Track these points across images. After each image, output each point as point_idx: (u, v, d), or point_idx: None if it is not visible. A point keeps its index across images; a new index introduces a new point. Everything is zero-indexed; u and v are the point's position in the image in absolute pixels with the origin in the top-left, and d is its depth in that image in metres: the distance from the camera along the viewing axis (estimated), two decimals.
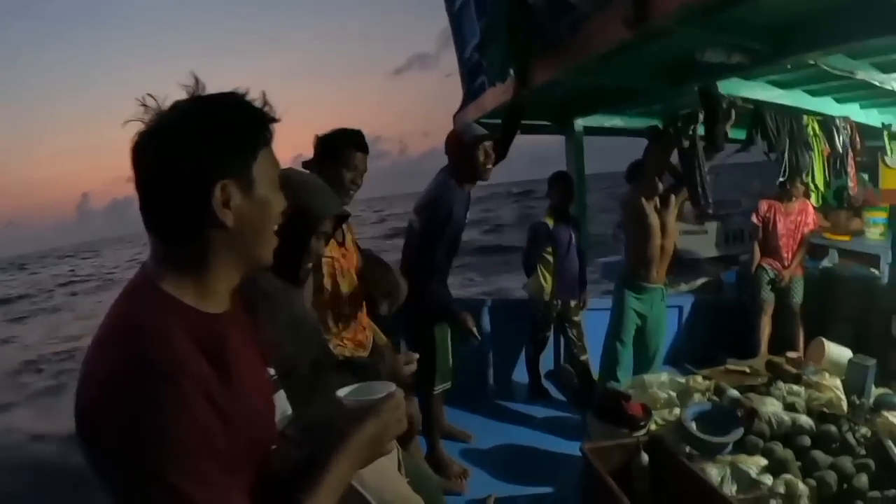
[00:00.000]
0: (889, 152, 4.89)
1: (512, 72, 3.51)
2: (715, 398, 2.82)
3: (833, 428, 2.46)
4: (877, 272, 4.67)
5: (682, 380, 3.05)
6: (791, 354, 3.32)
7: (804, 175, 4.44)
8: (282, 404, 1.15)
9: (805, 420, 2.54)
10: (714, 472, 2.29)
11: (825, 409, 2.64)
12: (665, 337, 3.94)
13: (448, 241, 2.80)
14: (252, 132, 0.92)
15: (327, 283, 2.19)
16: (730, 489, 2.23)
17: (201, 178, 0.86)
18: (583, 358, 4.16)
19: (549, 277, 4.10)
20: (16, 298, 28.41)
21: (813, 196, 4.70)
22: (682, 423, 2.52)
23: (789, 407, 2.68)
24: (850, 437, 2.41)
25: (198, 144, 0.86)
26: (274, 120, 0.95)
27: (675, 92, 3.71)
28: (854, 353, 3.08)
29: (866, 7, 2.41)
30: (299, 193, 1.59)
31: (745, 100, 3.79)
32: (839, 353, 3.17)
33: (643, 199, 3.54)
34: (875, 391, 2.83)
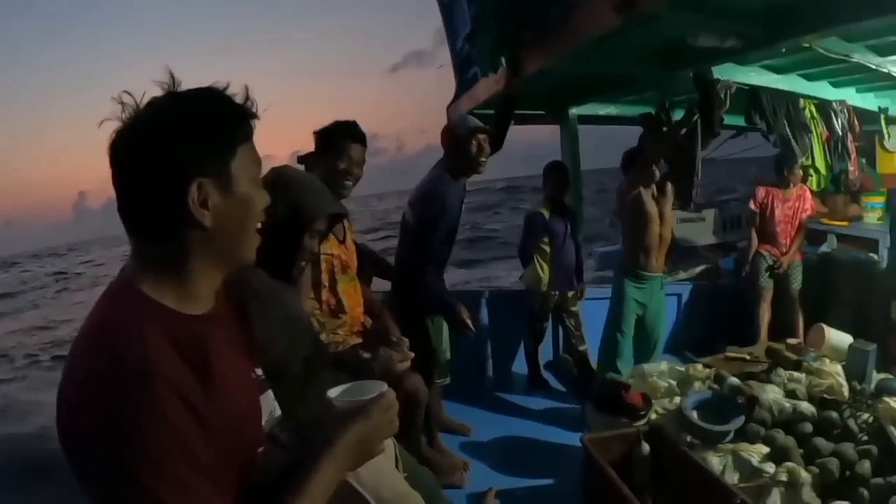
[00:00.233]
0: (887, 136, 4.88)
1: (504, 61, 3.48)
2: (715, 386, 2.81)
3: (834, 414, 2.45)
4: (876, 257, 4.67)
5: (682, 368, 3.04)
6: (791, 341, 3.31)
7: (804, 158, 4.41)
8: (269, 404, 1.12)
9: (806, 407, 2.53)
10: (715, 461, 2.28)
11: (826, 396, 2.63)
12: (665, 326, 3.93)
13: (442, 234, 2.79)
14: (230, 128, 0.89)
15: (325, 279, 2.20)
16: (731, 478, 2.22)
17: (176, 176, 0.84)
18: (581, 348, 4.15)
19: (545, 268, 4.08)
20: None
21: (813, 180, 4.68)
22: (683, 412, 2.51)
23: (790, 394, 2.67)
24: (851, 423, 2.40)
25: (172, 141, 0.83)
26: (254, 115, 0.92)
27: (668, 78, 3.68)
28: (854, 338, 3.07)
29: None
30: (293, 192, 1.58)
31: (740, 84, 3.77)
32: (839, 338, 3.16)
33: (641, 188, 3.52)
34: (876, 376, 2.82)
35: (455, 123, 2.95)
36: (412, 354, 1.94)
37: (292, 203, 1.56)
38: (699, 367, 3.04)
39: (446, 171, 2.84)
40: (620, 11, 2.43)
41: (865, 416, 2.44)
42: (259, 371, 1.10)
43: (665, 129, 3.44)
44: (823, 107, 4.42)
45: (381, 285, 2.96)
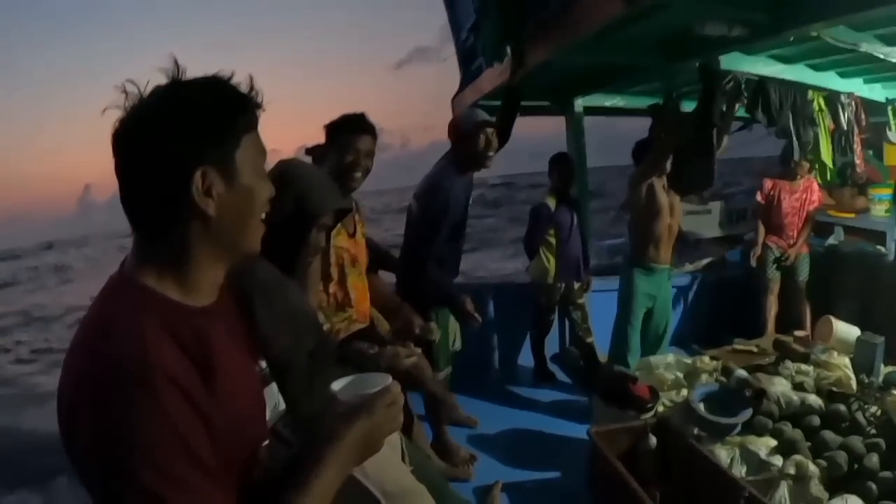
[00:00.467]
0: (892, 128, 4.82)
1: (508, 51, 3.45)
2: (723, 379, 2.80)
3: (842, 407, 2.44)
4: (883, 249, 4.63)
5: (689, 360, 3.03)
6: (799, 333, 3.29)
7: (809, 151, 4.38)
8: (273, 398, 1.11)
9: (814, 400, 2.52)
10: (723, 454, 2.28)
11: (834, 389, 2.62)
12: (672, 318, 3.92)
13: (448, 227, 2.77)
14: (234, 116, 0.87)
15: (334, 272, 2.20)
16: (739, 471, 2.21)
17: (180, 164, 0.82)
18: (588, 340, 4.16)
19: (552, 260, 4.07)
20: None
21: (818, 173, 4.64)
22: (690, 405, 2.50)
23: (798, 386, 2.66)
24: (859, 416, 2.39)
25: (176, 130, 0.82)
26: (258, 105, 0.91)
27: (675, 68, 3.65)
28: (862, 330, 3.05)
29: None
30: (300, 186, 1.57)
31: (748, 75, 3.74)
32: (847, 331, 3.14)
33: (653, 178, 3.51)
34: (884, 369, 2.81)
35: (462, 117, 2.93)
36: (419, 350, 1.93)
37: (298, 198, 1.55)
38: (706, 359, 3.03)
39: (452, 164, 2.84)
40: (627, 0, 2.41)
41: (873, 409, 2.43)
42: (263, 364, 1.09)
43: (675, 119, 3.43)
44: (832, 100, 4.37)
45: (385, 278, 2.96)
